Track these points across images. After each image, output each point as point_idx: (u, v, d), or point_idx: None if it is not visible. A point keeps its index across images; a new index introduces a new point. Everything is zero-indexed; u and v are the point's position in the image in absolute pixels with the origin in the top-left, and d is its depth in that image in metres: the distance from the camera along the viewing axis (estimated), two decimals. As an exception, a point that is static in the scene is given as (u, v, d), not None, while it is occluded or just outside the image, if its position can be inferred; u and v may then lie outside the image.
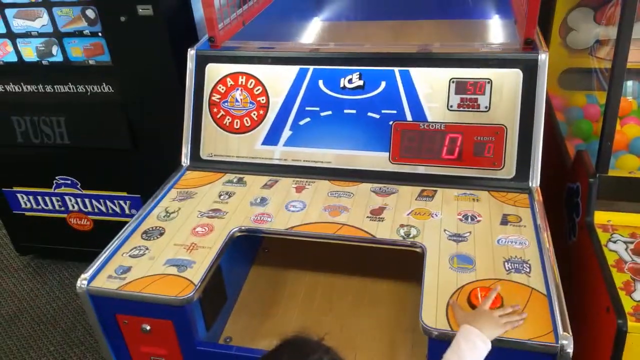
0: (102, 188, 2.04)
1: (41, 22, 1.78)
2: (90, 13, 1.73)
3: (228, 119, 1.51)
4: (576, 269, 1.32)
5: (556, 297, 1.00)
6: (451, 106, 1.36)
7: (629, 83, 1.69)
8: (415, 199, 1.31)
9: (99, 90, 1.83)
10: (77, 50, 1.80)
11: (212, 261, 1.15)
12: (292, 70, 1.46)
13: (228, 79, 1.51)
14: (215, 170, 1.49)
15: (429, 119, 1.37)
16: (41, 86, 1.88)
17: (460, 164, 1.35)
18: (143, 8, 1.62)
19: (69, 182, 2.05)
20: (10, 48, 1.85)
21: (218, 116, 1.51)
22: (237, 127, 1.50)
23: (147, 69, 1.74)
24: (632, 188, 1.27)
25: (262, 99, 1.48)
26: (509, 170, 1.32)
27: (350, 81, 1.43)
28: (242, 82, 1.50)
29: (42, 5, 1.75)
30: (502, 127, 1.33)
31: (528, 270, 1.08)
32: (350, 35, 1.77)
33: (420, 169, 1.37)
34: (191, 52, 1.53)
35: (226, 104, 1.51)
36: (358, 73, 1.43)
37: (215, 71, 1.52)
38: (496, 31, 1.64)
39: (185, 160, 1.53)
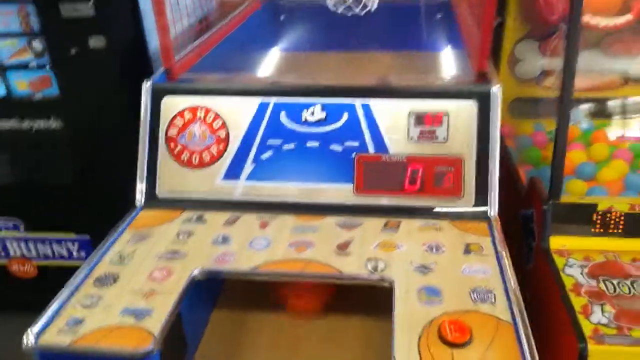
0: (47, 229, 1.90)
1: (-19, 53, 1.67)
2: (38, 45, 1.64)
3: (186, 154, 1.46)
4: (535, 294, 1.36)
5: (521, 324, 1.01)
6: (411, 138, 1.38)
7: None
8: (380, 231, 1.31)
9: (45, 126, 1.73)
10: (22, 84, 1.70)
11: (172, 308, 1.09)
12: (253, 103, 1.44)
13: (186, 113, 1.47)
14: (173, 209, 1.43)
15: (391, 150, 1.39)
16: (-20, 122, 1.75)
17: (422, 194, 1.37)
18: (95, 40, 1.56)
19: (10, 225, 1.90)
20: (-56, 81, 1.72)
21: (175, 151, 1.46)
22: (196, 162, 1.45)
23: (99, 102, 1.66)
24: (582, 212, 1.33)
25: (222, 133, 1.45)
26: (468, 199, 1.35)
27: (312, 114, 1.43)
28: (200, 115, 1.46)
29: (-18, 36, 1.65)
30: (459, 158, 1.36)
31: (493, 299, 1.09)
32: (309, 66, 1.79)
33: (384, 201, 1.38)
34: (146, 85, 1.48)
35: (184, 138, 1.46)
36: (320, 105, 1.43)
37: (172, 104, 1.47)
38: (450, 63, 1.71)
39: (140, 198, 1.45)
